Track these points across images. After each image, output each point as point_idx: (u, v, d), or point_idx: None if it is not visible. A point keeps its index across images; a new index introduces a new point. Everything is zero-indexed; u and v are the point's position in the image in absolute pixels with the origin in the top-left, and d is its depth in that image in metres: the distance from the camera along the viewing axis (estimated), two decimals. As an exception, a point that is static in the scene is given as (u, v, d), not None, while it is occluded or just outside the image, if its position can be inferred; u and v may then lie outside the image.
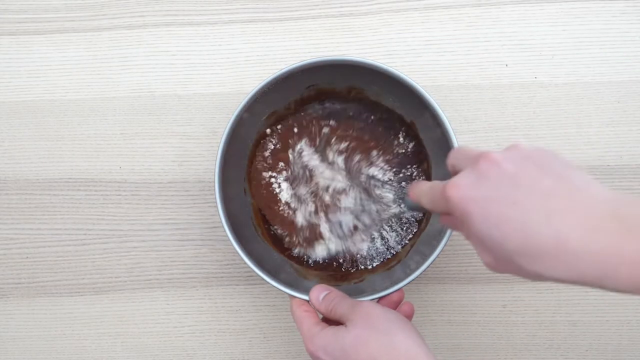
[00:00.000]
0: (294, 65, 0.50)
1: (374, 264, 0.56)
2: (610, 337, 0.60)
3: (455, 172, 0.37)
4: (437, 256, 0.49)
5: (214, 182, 0.50)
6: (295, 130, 0.56)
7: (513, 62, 0.60)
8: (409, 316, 0.48)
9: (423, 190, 0.40)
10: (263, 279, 0.49)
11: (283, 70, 0.50)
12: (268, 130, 0.56)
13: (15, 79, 0.61)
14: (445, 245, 0.49)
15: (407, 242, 0.55)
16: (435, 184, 0.39)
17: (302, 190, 0.56)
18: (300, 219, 0.56)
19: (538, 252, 0.30)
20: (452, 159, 0.38)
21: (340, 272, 0.56)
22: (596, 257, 0.28)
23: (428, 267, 0.49)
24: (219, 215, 0.50)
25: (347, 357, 0.42)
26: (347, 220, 0.56)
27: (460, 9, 0.60)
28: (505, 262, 0.32)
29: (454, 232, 0.49)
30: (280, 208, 0.56)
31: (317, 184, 0.56)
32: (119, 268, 0.61)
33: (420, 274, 0.49)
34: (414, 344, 0.41)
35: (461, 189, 0.34)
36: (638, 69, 0.60)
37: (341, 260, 0.56)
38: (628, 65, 0.60)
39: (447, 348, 0.60)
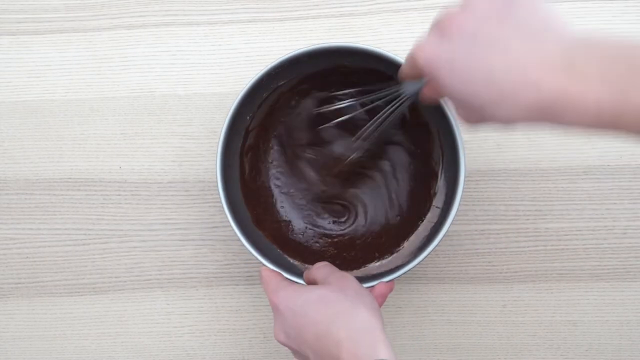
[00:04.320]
0: (284, 57, 0.51)
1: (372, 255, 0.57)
2: (610, 337, 0.60)
3: None
4: (428, 254, 0.49)
5: (216, 176, 0.50)
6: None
7: (513, 62, 0.60)
8: (385, 293, 0.47)
9: (405, 62, 0.41)
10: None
11: (274, 63, 0.51)
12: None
13: (15, 79, 0.61)
14: (436, 245, 0.49)
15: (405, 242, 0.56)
16: (410, 51, 0.39)
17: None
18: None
19: (501, 98, 0.31)
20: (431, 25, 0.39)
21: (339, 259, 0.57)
22: (549, 96, 0.30)
23: (416, 265, 0.49)
24: (221, 202, 0.50)
25: (306, 313, 0.41)
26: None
27: (460, 9, 0.60)
28: (476, 113, 0.34)
29: (444, 240, 0.49)
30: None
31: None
32: (119, 268, 0.61)
33: (410, 270, 0.50)
34: (375, 320, 0.40)
35: (426, 50, 0.35)
36: (638, 69, 0.60)
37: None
38: (628, 65, 0.60)
39: (447, 348, 0.60)
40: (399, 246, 0.55)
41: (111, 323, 0.61)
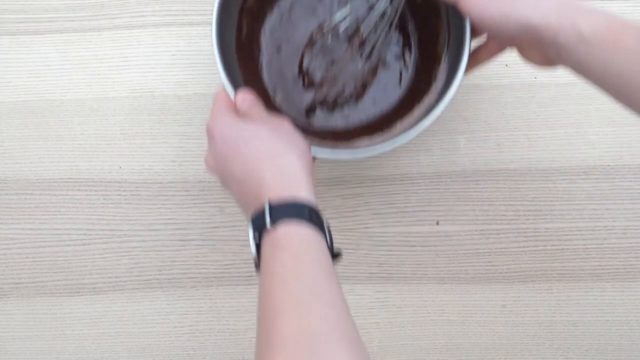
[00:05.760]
0: None
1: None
2: (610, 337, 0.60)
3: None
4: (418, 133, 0.47)
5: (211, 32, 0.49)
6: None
7: (513, 62, 0.60)
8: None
9: None
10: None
11: None
12: None
13: (15, 79, 0.61)
14: (428, 125, 0.47)
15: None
16: None
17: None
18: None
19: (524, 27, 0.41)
20: None
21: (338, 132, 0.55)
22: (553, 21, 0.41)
23: (404, 143, 0.47)
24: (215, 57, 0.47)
25: (236, 144, 0.41)
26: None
27: (460, 9, 0.60)
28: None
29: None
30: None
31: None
32: (119, 268, 0.61)
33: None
34: (302, 165, 0.40)
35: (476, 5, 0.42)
36: (638, 69, 0.60)
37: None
38: (628, 65, 0.60)
39: (447, 348, 0.60)
40: (391, 126, 0.53)
41: (111, 323, 0.61)
